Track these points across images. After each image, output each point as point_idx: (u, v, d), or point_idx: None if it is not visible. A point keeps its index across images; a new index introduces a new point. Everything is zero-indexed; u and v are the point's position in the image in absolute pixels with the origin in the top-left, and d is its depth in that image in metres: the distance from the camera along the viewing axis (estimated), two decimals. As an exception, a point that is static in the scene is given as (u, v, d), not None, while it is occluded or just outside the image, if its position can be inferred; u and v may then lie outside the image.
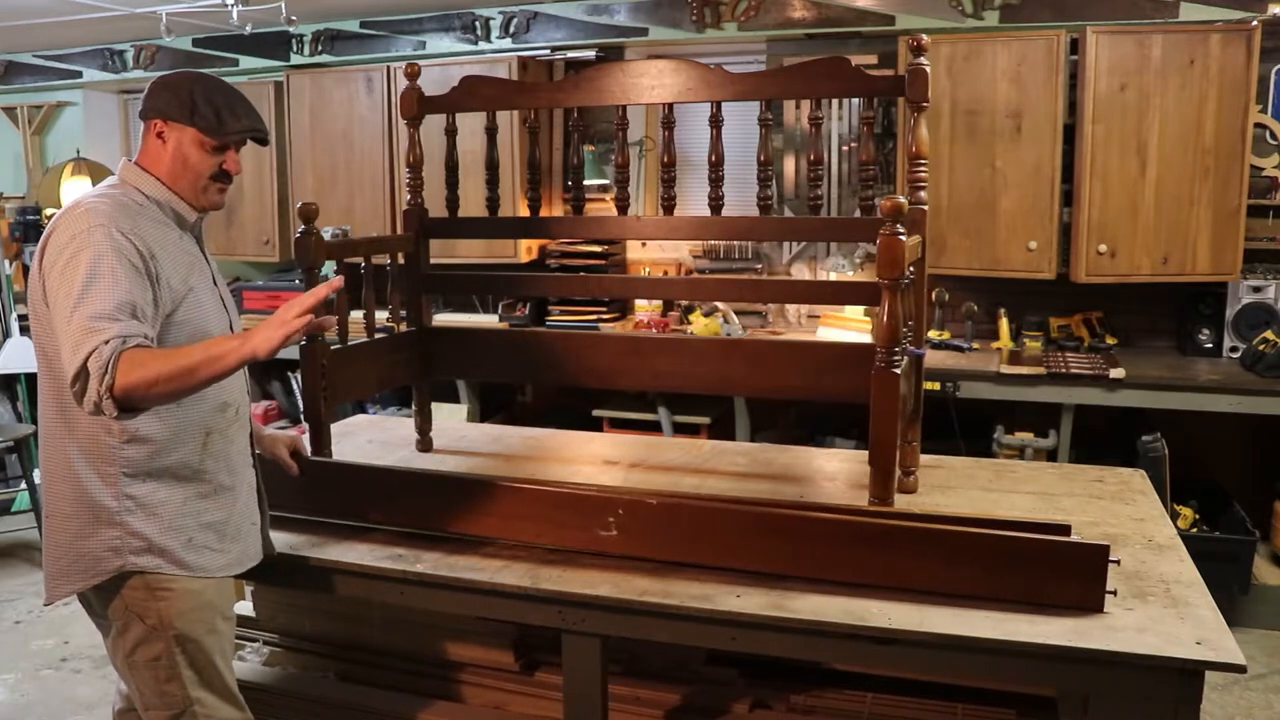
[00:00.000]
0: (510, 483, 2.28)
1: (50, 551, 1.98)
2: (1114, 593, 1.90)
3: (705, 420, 4.68)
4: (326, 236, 2.47)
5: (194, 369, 1.75)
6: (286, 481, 2.34)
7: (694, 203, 5.02)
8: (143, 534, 1.91)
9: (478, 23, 5.24)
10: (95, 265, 1.78)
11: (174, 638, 1.94)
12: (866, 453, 2.23)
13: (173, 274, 1.91)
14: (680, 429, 4.69)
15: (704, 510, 2.13)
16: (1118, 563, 1.95)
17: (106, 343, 1.71)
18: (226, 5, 4.58)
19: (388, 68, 5.23)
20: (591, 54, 5.08)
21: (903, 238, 2.12)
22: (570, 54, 5.13)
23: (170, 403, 1.86)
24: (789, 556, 2.06)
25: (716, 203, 2.68)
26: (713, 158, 2.67)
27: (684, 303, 5.05)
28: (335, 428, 2.67)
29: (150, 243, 1.88)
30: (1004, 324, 4.56)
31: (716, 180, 2.67)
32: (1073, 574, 1.90)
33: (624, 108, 2.75)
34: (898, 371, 2.16)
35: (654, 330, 4.82)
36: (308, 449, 2.45)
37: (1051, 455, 4.07)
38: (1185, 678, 1.75)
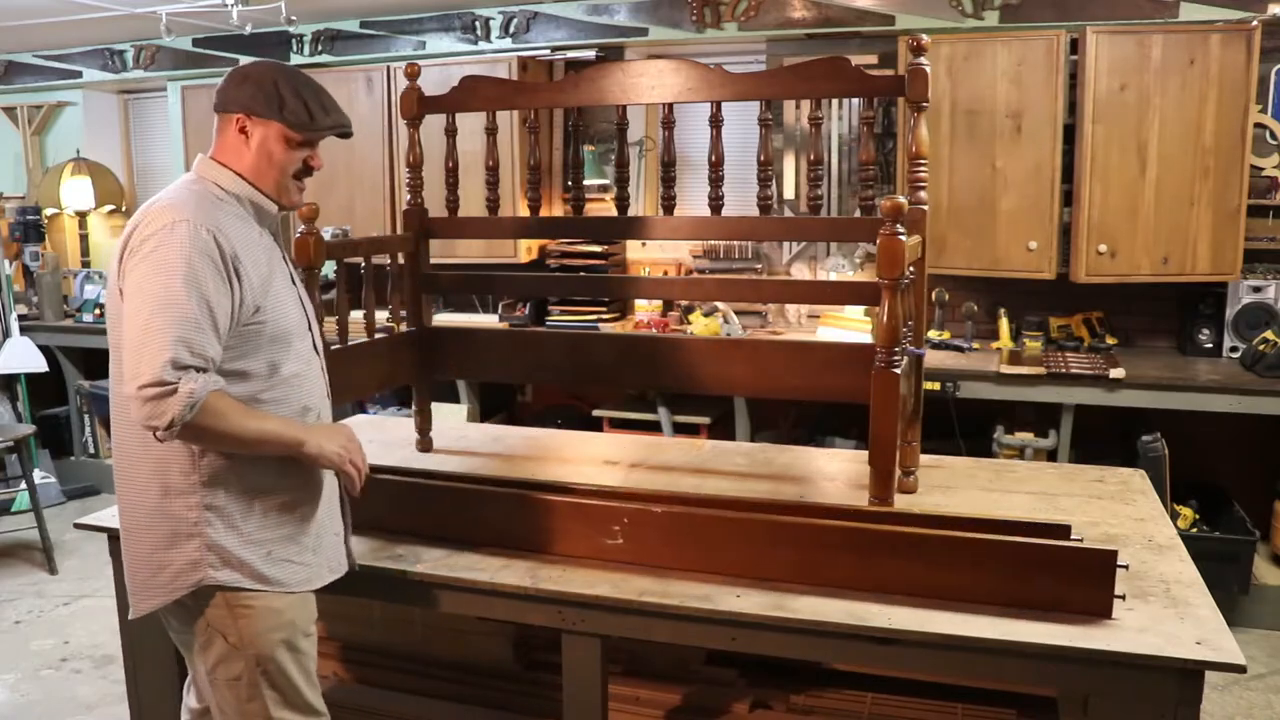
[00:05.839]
0: (514, 490, 2.28)
1: (130, 565, 1.91)
2: (1122, 597, 1.88)
3: (705, 420, 4.68)
4: (326, 236, 2.47)
5: (259, 442, 1.82)
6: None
7: (694, 203, 5.02)
8: (223, 546, 1.84)
9: (478, 23, 5.24)
10: (179, 265, 1.73)
11: (254, 657, 1.88)
12: (866, 453, 2.23)
13: (253, 273, 1.84)
14: (680, 429, 4.69)
15: (708, 520, 2.12)
16: (1126, 567, 1.92)
17: (200, 373, 1.72)
18: (226, 5, 4.59)
19: (388, 68, 5.24)
20: (591, 54, 5.08)
21: (903, 238, 2.12)
22: (570, 54, 5.13)
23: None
24: (794, 565, 2.05)
25: (716, 203, 2.68)
26: (713, 158, 2.67)
27: (684, 303, 5.05)
28: (335, 428, 2.66)
29: (233, 241, 1.82)
30: (1004, 324, 4.56)
31: (716, 180, 2.67)
32: (1080, 579, 1.88)
33: (624, 108, 2.75)
34: (898, 371, 2.16)
35: (654, 330, 4.82)
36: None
37: (1051, 455, 4.07)
38: (1185, 678, 1.75)
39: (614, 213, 2.86)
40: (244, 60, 5.69)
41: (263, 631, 1.89)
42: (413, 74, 2.84)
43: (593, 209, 4.52)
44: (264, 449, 1.84)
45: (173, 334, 1.71)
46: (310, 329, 2.02)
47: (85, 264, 6.31)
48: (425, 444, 3.03)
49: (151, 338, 1.71)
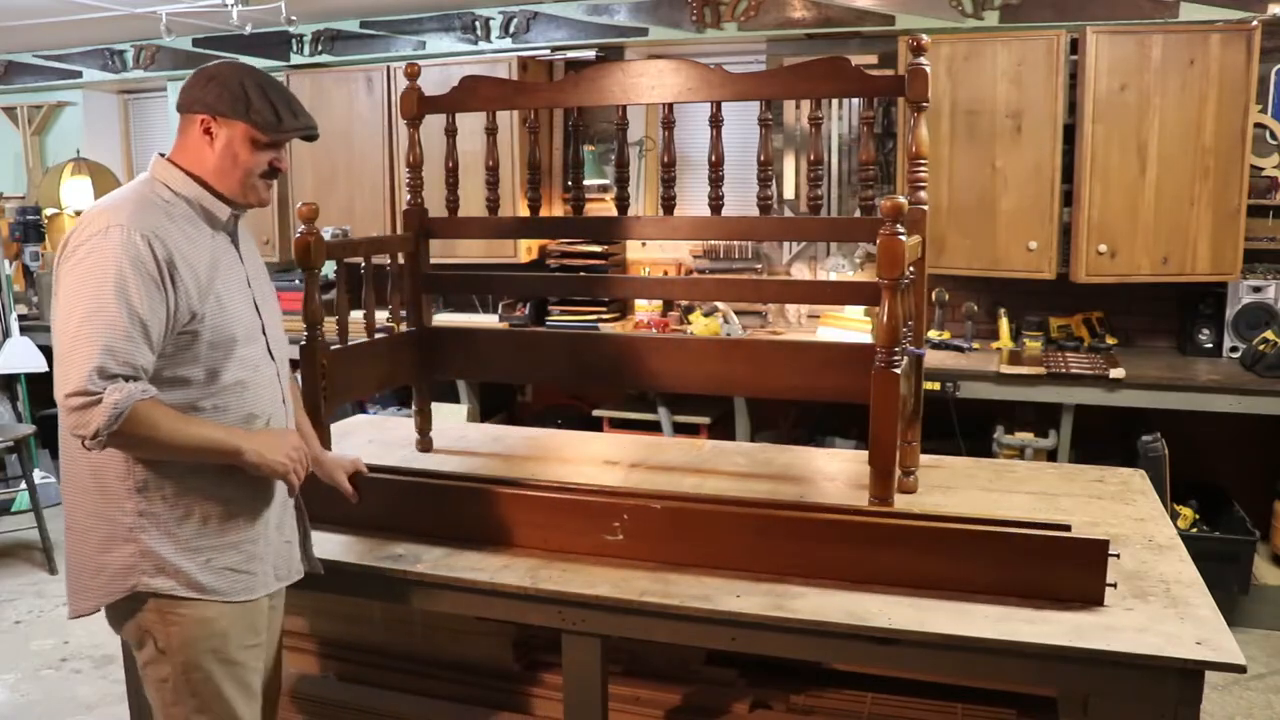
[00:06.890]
0: (516, 489, 2.29)
1: (70, 566, 1.90)
2: (1114, 585, 1.92)
3: (705, 420, 4.68)
4: (326, 236, 2.47)
5: (195, 450, 1.79)
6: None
7: (694, 203, 5.02)
8: (157, 553, 1.81)
9: (478, 23, 5.24)
10: (109, 273, 1.71)
11: (181, 664, 1.86)
12: (866, 453, 2.23)
13: (189, 278, 1.80)
14: (680, 429, 4.69)
15: (708, 514, 2.13)
16: (1117, 556, 1.96)
17: (129, 381, 1.69)
18: (226, 5, 4.58)
19: (388, 68, 5.23)
20: (591, 54, 5.08)
21: (903, 238, 2.12)
22: (570, 54, 5.13)
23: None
24: (792, 558, 2.07)
25: (716, 203, 2.68)
26: (713, 158, 2.67)
27: (684, 303, 5.05)
28: (335, 428, 2.67)
29: (170, 245, 1.78)
30: (1004, 324, 4.56)
31: (716, 180, 2.67)
32: (1074, 568, 1.91)
33: (624, 108, 2.75)
34: (898, 371, 2.16)
35: (654, 330, 4.82)
36: (365, 471, 2.29)
37: (1051, 455, 4.07)
38: (1185, 678, 1.75)
39: (614, 213, 2.86)
40: (244, 61, 5.71)
41: (191, 641, 1.86)
42: (413, 74, 2.84)
43: (593, 209, 4.52)
44: (201, 457, 1.81)
45: (100, 343, 1.68)
46: (264, 334, 1.97)
47: (85, 264, 6.29)
48: (425, 444, 3.02)
49: (78, 346, 1.69)
